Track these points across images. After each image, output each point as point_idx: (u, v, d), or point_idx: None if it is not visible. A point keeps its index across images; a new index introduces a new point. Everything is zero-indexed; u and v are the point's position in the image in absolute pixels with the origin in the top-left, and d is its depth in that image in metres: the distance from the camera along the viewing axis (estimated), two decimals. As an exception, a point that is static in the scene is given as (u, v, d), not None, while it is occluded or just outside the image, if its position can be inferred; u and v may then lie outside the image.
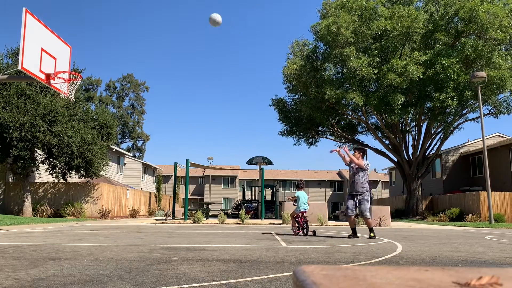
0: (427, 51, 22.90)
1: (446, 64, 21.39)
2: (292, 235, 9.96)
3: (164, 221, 17.19)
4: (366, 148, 8.72)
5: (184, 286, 3.16)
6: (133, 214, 24.47)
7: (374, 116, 27.30)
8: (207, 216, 20.63)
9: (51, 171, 19.66)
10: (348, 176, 55.91)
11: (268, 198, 32.53)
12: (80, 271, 3.90)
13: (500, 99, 24.59)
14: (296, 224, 9.96)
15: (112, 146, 31.34)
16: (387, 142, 27.76)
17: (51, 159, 19.32)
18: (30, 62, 9.21)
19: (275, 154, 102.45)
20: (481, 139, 19.59)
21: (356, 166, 8.44)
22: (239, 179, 56.59)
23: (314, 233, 9.86)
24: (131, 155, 44.94)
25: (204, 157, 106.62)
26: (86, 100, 29.72)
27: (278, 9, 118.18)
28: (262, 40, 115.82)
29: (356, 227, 10.41)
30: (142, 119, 67.16)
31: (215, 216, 23.01)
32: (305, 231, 9.70)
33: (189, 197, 45.93)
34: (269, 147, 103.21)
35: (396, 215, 27.38)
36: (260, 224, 16.47)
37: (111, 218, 21.14)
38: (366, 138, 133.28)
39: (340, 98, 23.39)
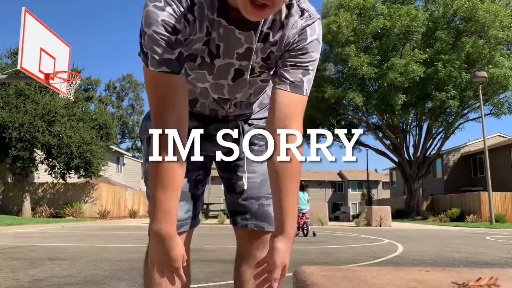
0: (427, 49, 22.89)
1: (447, 59, 21.36)
2: (292, 235, 9.95)
3: (164, 221, 17.14)
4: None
5: (183, 286, 3.14)
6: (133, 214, 24.45)
7: (375, 116, 27.28)
8: (207, 217, 20.62)
9: (50, 171, 19.63)
10: (347, 178, 56.23)
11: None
12: (80, 271, 3.90)
13: (501, 99, 24.56)
14: (296, 225, 9.94)
15: (111, 146, 31.29)
16: (387, 142, 27.73)
17: (50, 159, 19.29)
18: (29, 62, 9.19)
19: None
20: (482, 139, 19.57)
21: None
22: (239, 179, 56.60)
23: (314, 234, 9.85)
24: (131, 155, 44.91)
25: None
26: (85, 100, 29.69)
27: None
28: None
29: (357, 227, 10.59)
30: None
31: (215, 217, 23.00)
32: (305, 232, 9.69)
33: (189, 197, 45.69)
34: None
35: (397, 215, 27.32)
36: (260, 224, 16.44)
37: (110, 218, 21.12)
38: (367, 138, 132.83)
39: (340, 97, 23.38)
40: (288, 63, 1.07)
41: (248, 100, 1.24)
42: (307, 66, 1.07)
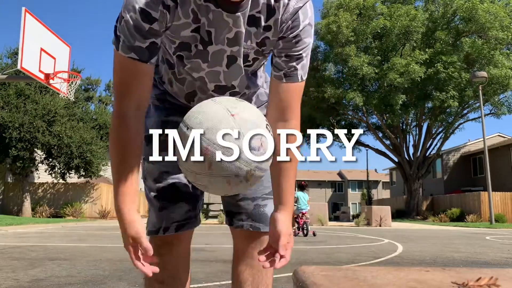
0: (427, 49, 22.90)
1: (447, 61, 21.37)
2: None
3: (164, 221, 17.16)
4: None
5: (183, 286, 3.14)
6: (133, 214, 24.41)
7: (375, 116, 27.28)
8: (207, 217, 20.63)
9: (51, 171, 19.64)
10: (347, 178, 56.29)
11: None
12: (80, 271, 3.90)
13: (501, 99, 24.55)
14: (296, 225, 9.95)
15: (112, 146, 31.27)
16: (387, 142, 27.72)
17: (50, 159, 19.30)
18: (29, 62, 9.19)
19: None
20: (482, 139, 19.58)
21: None
22: (239, 179, 56.59)
23: (314, 234, 9.86)
24: (131, 155, 44.86)
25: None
26: (85, 100, 29.71)
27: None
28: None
29: (357, 227, 10.61)
30: (142, 119, 67.17)
31: (215, 217, 23.00)
32: (305, 232, 9.70)
33: (189, 197, 45.77)
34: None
35: (397, 215, 27.31)
36: (260, 224, 16.44)
37: (110, 218, 21.11)
38: (367, 138, 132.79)
39: (340, 97, 23.39)
40: (282, 52, 1.07)
41: (244, 88, 1.22)
42: (301, 54, 1.07)
